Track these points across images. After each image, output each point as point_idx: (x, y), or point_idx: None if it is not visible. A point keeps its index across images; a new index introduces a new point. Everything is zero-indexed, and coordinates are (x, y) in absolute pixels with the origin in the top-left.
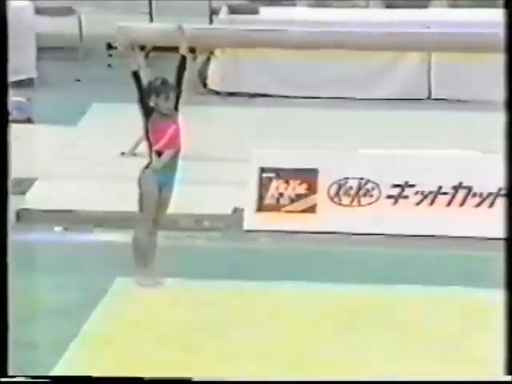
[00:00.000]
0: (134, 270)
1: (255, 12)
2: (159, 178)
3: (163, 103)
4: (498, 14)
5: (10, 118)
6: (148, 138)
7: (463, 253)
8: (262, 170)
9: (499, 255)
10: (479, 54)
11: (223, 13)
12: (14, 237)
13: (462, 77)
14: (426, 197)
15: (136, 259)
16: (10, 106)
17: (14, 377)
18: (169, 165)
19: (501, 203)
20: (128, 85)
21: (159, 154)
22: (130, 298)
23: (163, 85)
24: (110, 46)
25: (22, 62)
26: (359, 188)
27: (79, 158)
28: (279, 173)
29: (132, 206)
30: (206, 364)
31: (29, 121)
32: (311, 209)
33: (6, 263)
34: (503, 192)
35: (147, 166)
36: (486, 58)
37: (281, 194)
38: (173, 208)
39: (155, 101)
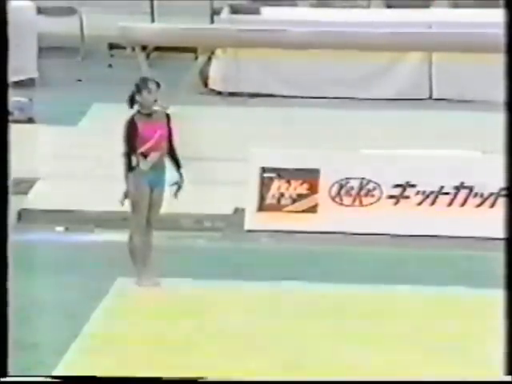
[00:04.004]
0: (134, 271)
1: (256, 12)
2: (149, 178)
3: (146, 100)
4: (498, 14)
5: (12, 118)
6: (134, 140)
7: (463, 253)
8: (263, 169)
9: (499, 255)
10: (480, 54)
11: (224, 13)
12: (14, 237)
13: (462, 77)
14: (427, 197)
15: (133, 261)
16: (12, 106)
17: (15, 377)
18: (157, 165)
19: (502, 203)
20: (129, 85)
21: (144, 156)
22: (131, 298)
23: (143, 82)
24: (111, 47)
25: (23, 61)
26: (360, 188)
27: (80, 158)
28: (280, 173)
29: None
30: (206, 364)
31: (30, 121)
32: (312, 209)
33: (7, 263)
34: (504, 192)
35: (133, 169)
36: (487, 58)
37: (282, 194)
38: (173, 208)
39: (137, 98)
